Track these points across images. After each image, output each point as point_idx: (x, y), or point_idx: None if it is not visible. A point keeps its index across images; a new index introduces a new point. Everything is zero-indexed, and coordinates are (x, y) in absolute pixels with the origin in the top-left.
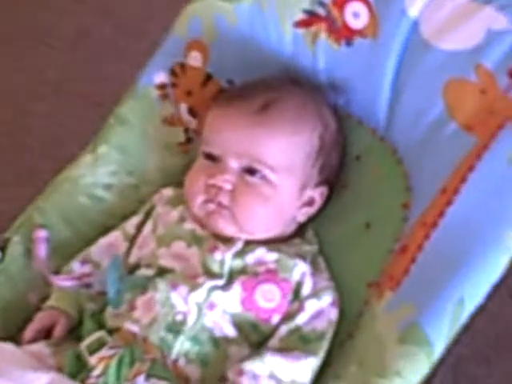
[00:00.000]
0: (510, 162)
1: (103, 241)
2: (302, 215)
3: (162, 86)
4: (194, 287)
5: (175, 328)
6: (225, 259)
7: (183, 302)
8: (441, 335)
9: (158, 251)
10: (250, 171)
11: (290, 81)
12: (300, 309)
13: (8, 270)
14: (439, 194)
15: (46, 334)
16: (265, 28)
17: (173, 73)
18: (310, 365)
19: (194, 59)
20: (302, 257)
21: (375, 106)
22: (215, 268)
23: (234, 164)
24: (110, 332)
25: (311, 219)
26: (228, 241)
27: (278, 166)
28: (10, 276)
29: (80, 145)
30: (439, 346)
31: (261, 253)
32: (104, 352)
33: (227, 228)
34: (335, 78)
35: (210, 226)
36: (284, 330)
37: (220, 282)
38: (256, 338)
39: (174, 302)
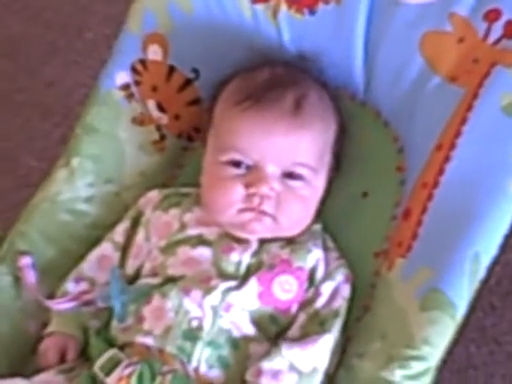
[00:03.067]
0: (502, 108)
1: (93, 255)
2: None
3: (125, 87)
4: (208, 290)
5: (192, 335)
6: (242, 260)
7: (197, 306)
8: (462, 295)
9: (167, 261)
10: (291, 175)
11: (297, 70)
12: (317, 294)
13: (0, 303)
14: (435, 152)
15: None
16: (222, 10)
17: (134, 71)
18: (326, 344)
19: (154, 53)
20: (314, 240)
21: (350, 72)
22: (230, 269)
23: (273, 170)
24: (121, 348)
25: None
26: (242, 241)
27: (317, 166)
28: (4, 308)
29: (37, 157)
30: (462, 306)
31: (275, 249)
32: (121, 371)
33: (264, 233)
34: (304, 49)
35: (242, 231)
36: (303, 317)
37: (234, 283)
38: (275, 330)
39: (187, 309)
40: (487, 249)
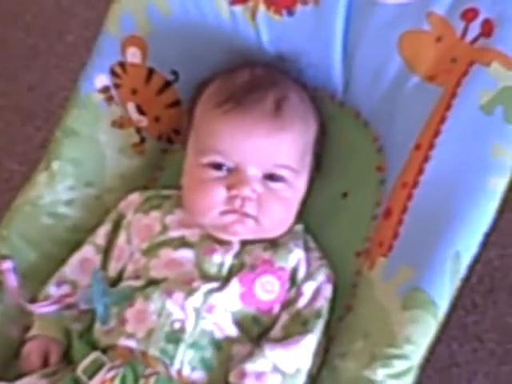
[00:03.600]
0: (480, 107)
1: (75, 258)
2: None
3: (104, 90)
4: (190, 292)
5: (174, 337)
6: (224, 261)
7: (179, 308)
8: (443, 293)
9: (150, 264)
10: (272, 177)
11: (277, 71)
12: (299, 294)
13: None
14: (414, 151)
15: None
16: (200, 12)
17: (114, 73)
18: (309, 344)
19: (133, 56)
20: (296, 241)
21: (329, 72)
22: (213, 271)
23: (255, 172)
24: (104, 351)
25: None
26: (224, 243)
27: (298, 167)
28: None
29: (18, 161)
30: (443, 305)
31: (257, 251)
32: (104, 374)
33: (246, 235)
34: (282, 49)
35: (224, 233)
36: (285, 317)
37: (216, 284)
38: (257, 330)
39: (170, 311)
40: (468, 247)
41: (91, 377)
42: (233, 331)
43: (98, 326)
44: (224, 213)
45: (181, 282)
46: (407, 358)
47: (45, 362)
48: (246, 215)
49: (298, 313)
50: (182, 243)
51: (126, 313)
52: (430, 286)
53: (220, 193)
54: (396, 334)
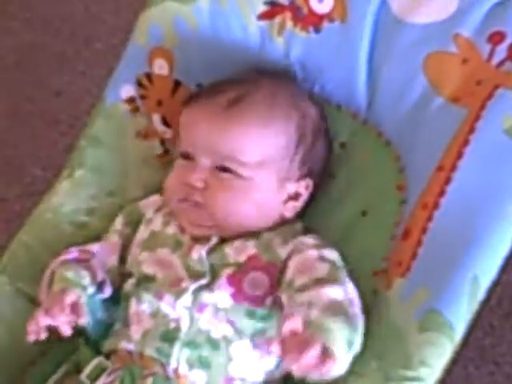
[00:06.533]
0: (505, 131)
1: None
2: (289, 211)
3: (130, 100)
4: (178, 293)
5: (170, 336)
6: (202, 256)
7: (172, 309)
8: (460, 317)
9: (141, 256)
10: (223, 169)
11: (256, 73)
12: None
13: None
14: (436, 172)
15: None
16: (227, 25)
17: (140, 84)
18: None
19: (160, 68)
20: (287, 236)
21: (353, 90)
22: (197, 267)
23: (205, 162)
24: (108, 355)
25: (300, 214)
26: (204, 240)
27: (250, 161)
28: (3, 319)
29: (42, 166)
30: (460, 328)
31: (238, 243)
32: (105, 379)
33: (199, 225)
34: (308, 66)
35: (184, 223)
36: (284, 297)
37: (204, 281)
38: (253, 325)
39: (164, 312)
40: (486, 271)
41: (94, 381)
42: (228, 330)
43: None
44: (180, 200)
45: (169, 283)
46: (422, 380)
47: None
48: (195, 203)
49: (289, 283)
50: (175, 241)
51: (128, 315)
52: (448, 308)
53: (176, 178)
54: (411, 356)
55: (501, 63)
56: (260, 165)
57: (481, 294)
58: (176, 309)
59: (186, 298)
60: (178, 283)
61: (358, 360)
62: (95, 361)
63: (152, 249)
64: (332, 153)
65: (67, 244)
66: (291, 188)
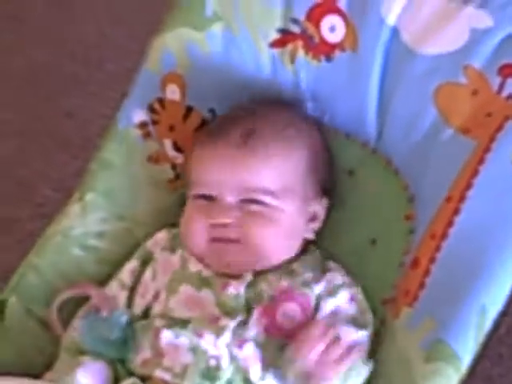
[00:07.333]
0: None
1: None
2: (310, 232)
3: (142, 125)
4: (219, 331)
5: (210, 374)
6: (240, 292)
7: (213, 346)
8: (467, 347)
9: (169, 302)
10: (250, 201)
11: (265, 104)
12: (317, 309)
13: (9, 334)
14: (445, 203)
15: None
16: (240, 52)
17: (152, 110)
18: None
19: (172, 93)
20: (313, 265)
21: (363, 119)
22: (231, 304)
23: (231, 199)
24: (142, 379)
25: (312, 241)
26: (237, 277)
27: (277, 190)
28: (12, 340)
29: (53, 187)
30: (467, 359)
31: (272, 277)
32: None
33: (239, 262)
34: (318, 94)
35: (219, 264)
36: None
37: (240, 318)
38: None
39: (204, 348)
40: (494, 302)
41: None
42: (259, 367)
43: (131, 356)
44: (211, 241)
45: (207, 321)
46: None
47: None
48: (230, 240)
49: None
50: (201, 281)
51: (160, 345)
52: (454, 339)
53: (202, 221)
54: None
55: (510, 96)
56: (285, 192)
57: (488, 324)
58: (218, 346)
59: (227, 336)
60: (215, 321)
61: None
62: (129, 380)
63: (176, 290)
64: (338, 181)
65: (77, 267)
66: (311, 209)
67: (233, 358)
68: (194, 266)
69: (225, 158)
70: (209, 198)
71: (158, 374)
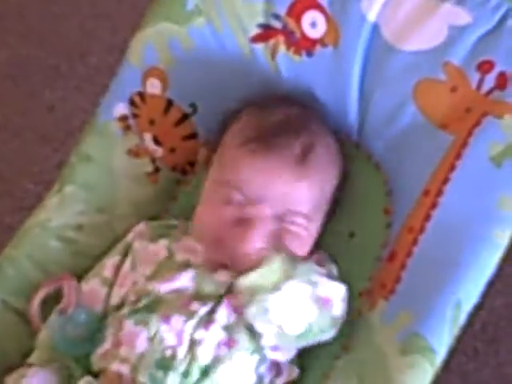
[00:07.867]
0: (490, 159)
1: (83, 289)
2: None
3: (122, 118)
4: (189, 315)
5: (165, 364)
6: (226, 281)
7: (174, 335)
8: (442, 341)
9: (151, 285)
10: (283, 219)
11: (311, 112)
12: None
13: None
14: (422, 197)
15: None
16: (221, 47)
17: (132, 103)
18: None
19: (153, 87)
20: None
21: (344, 114)
22: (209, 291)
23: (268, 210)
24: (97, 375)
25: None
26: (226, 267)
27: (310, 213)
28: None
29: (34, 181)
30: (442, 352)
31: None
32: None
33: (256, 251)
34: (299, 89)
35: (234, 251)
36: None
37: (211, 305)
38: (249, 337)
39: (162, 337)
40: (469, 296)
41: None
42: (224, 350)
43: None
44: (237, 224)
45: (178, 306)
46: None
47: None
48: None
49: None
50: (187, 267)
51: (119, 335)
52: (430, 332)
53: (231, 210)
54: (393, 380)
55: (489, 92)
56: (315, 212)
57: (463, 318)
58: (180, 334)
59: (195, 320)
60: (186, 305)
61: (338, 380)
62: (83, 381)
63: (161, 277)
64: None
65: (55, 259)
66: None
67: (191, 347)
68: (181, 257)
69: (282, 173)
70: (239, 192)
71: (115, 366)
